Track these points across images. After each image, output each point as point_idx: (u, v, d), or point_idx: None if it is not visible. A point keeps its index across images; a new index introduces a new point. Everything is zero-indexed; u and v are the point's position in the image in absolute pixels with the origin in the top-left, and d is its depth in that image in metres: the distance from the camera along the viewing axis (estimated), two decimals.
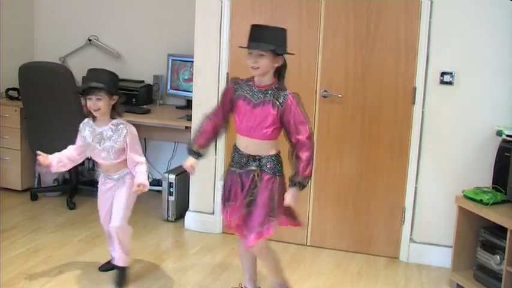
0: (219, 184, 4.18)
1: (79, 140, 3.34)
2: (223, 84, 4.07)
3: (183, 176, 4.44)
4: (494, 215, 3.19)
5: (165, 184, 4.43)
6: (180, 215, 4.44)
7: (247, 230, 2.87)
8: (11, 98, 4.86)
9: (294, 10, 3.90)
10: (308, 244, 4.07)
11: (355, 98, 3.87)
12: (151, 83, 4.93)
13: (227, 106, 2.95)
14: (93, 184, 5.11)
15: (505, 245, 3.11)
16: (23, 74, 4.47)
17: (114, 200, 3.31)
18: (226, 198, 2.97)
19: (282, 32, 2.83)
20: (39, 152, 3.23)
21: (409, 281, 3.63)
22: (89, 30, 5.16)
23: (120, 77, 4.99)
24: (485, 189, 3.42)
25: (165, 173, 4.51)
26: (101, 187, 3.38)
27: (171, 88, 4.85)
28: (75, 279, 3.40)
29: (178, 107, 4.80)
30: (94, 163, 5.26)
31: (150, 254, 3.82)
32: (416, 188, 3.83)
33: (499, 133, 3.50)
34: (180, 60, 4.78)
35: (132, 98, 4.70)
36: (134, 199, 3.37)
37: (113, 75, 3.28)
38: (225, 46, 4.04)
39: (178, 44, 4.83)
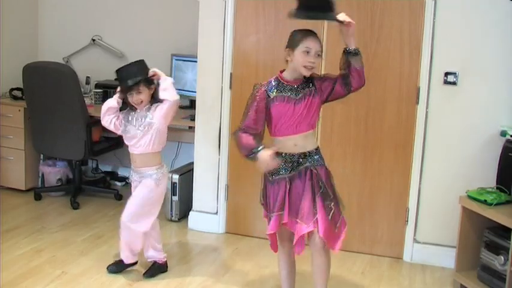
0: (223, 184, 4.19)
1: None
2: (227, 84, 4.07)
3: (186, 175, 4.44)
4: (498, 216, 3.18)
5: (168, 184, 4.42)
6: (183, 215, 4.44)
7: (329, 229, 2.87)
8: (15, 97, 4.87)
9: None
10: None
11: (358, 98, 3.83)
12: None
13: (262, 113, 2.81)
14: (97, 184, 5.15)
15: (509, 246, 3.10)
16: (26, 74, 4.49)
17: (132, 195, 3.40)
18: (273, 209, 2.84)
19: None
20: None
21: (412, 282, 3.63)
22: (92, 30, 5.18)
23: None
24: (489, 189, 3.41)
25: (169, 172, 4.50)
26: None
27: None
28: (78, 279, 3.40)
29: (182, 107, 4.79)
30: (97, 163, 5.31)
31: None
32: (420, 188, 3.82)
33: (503, 133, 3.49)
34: (184, 60, 4.79)
35: None
36: (159, 202, 3.42)
37: (141, 65, 3.30)
38: (228, 46, 4.04)
39: (182, 44, 4.84)
